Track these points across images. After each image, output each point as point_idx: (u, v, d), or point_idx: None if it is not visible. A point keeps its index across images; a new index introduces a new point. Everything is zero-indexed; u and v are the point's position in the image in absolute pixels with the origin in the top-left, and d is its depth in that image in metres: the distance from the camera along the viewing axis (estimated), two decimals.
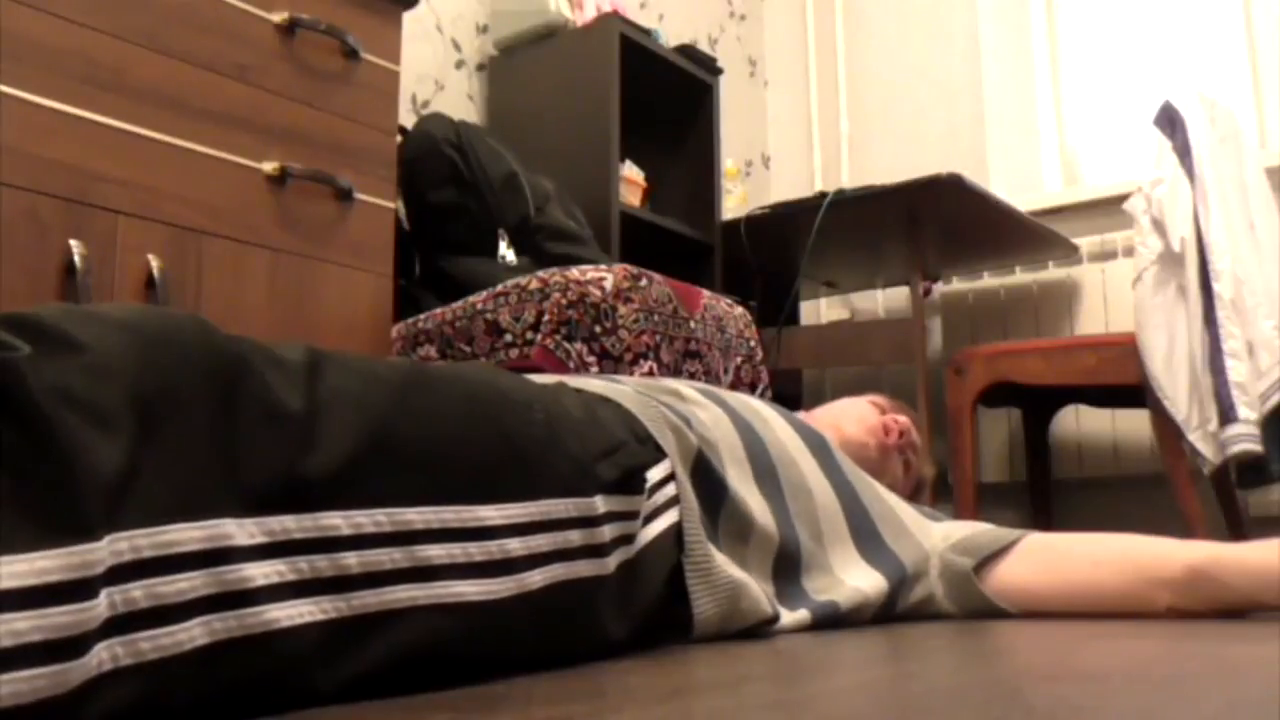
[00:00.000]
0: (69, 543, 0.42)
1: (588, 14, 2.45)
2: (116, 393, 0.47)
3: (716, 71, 2.69)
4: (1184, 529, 2.10)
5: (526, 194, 1.98)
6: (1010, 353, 2.39)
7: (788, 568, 0.96)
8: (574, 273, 1.60)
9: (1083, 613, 1.03)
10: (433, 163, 1.96)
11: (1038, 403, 2.70)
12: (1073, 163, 3.16)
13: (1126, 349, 2.19)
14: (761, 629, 0.89)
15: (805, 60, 3.49)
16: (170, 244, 1.25)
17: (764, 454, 1.00)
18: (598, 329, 1.56)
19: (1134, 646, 0.75)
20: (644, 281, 1.63)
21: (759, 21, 3.58)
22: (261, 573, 0.50)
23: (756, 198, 3.23)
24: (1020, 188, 3.01)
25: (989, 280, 3.00)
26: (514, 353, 1.61)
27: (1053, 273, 2.89)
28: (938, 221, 2.57)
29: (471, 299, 1.69)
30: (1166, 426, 2.10)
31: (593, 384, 0.92)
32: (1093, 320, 2.80)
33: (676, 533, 0.83)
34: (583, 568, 0.70)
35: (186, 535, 0.47)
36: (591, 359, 1.55)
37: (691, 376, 1.70)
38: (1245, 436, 1.93)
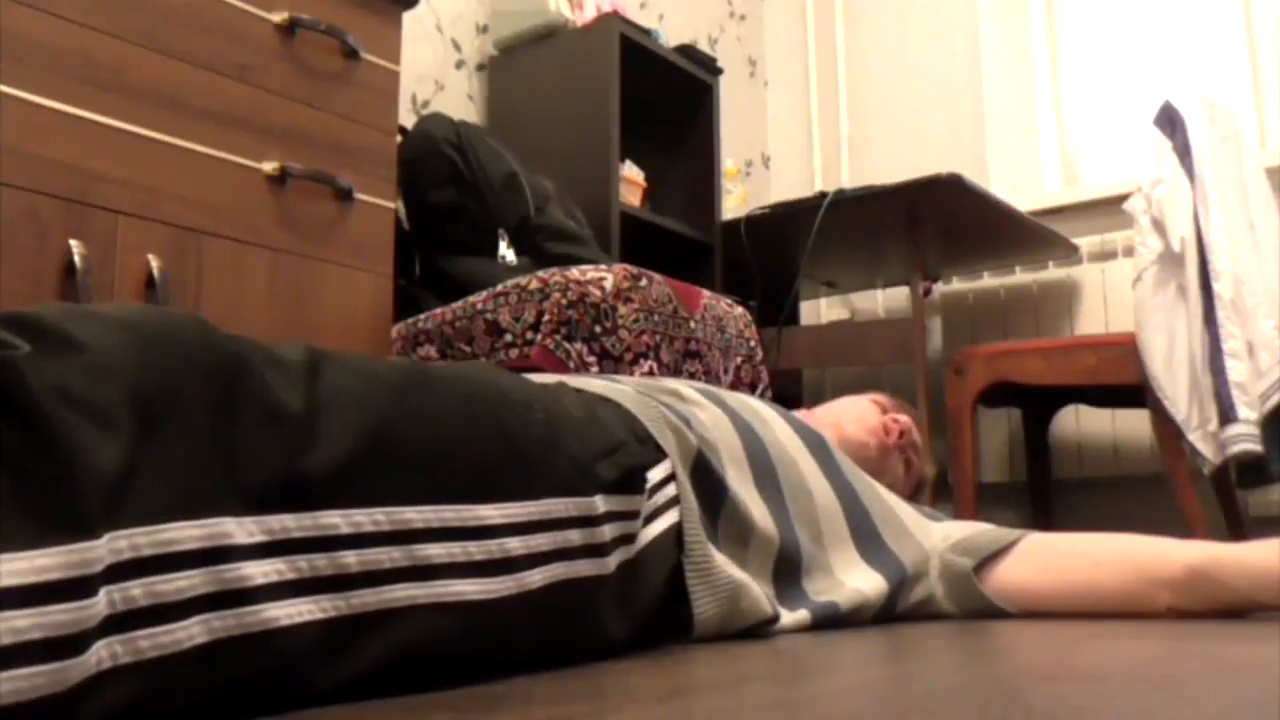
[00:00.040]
0: (69, 541, 0.42)
1: (588, 14, 2.45)
2: (116, 392, 0.47)
3: (716, 71, 2.69)
4: (1184, 529, 2.10)
5: (526, 194, 1.98)
6: (1010, 353, 2.39)
7: (788, 570, 0.96)
8: (574, 273, 1.60)
9: (1083, 613, 1.03)
10: (433, 163, 1.96)
11: (1038, 403, 2.70)
12: (1073, 163, 3.16)
13: (1126, 349, 2.19)
14: (761, 629, 0.89)
15: (805, 60, 3.49)
16: (170, 244, 1.25)
17: (763, 454, 1.00)
18: (598, 329, 1.56)
19: (1134, 646, 0.75)
20: (644, 281, 1.63)
21: (759, 21, 3.58)
22: (261, 571, 0.50)
23: (756, 198, 3.23)
24: (1020, 188, 3.01)
25: (989, 280, 3.00)
26: (514, 353, 1.61)
27: (1053, 273, 2.89)
28: (938, 221, 2.57)
29: (471, 299, 1.69)
30: (1166, 426, 2.10)
31: (593, 384, 0.92)
32: (1093, 320, 2.80)
33: (677, 533, 0.83)
34: (583, 567, 0.70)
35: (186, 534, 0.47)
36: (591, 359, 1.55)
37: (691, 376, 1.70)
38: (1245, 436, 1.93)
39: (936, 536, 1.11)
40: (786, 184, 3.44)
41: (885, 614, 1.03)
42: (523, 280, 1.64)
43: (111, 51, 1.22)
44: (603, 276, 1.59)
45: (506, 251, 1.94)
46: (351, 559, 0.55)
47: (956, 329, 3.02)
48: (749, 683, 0.60)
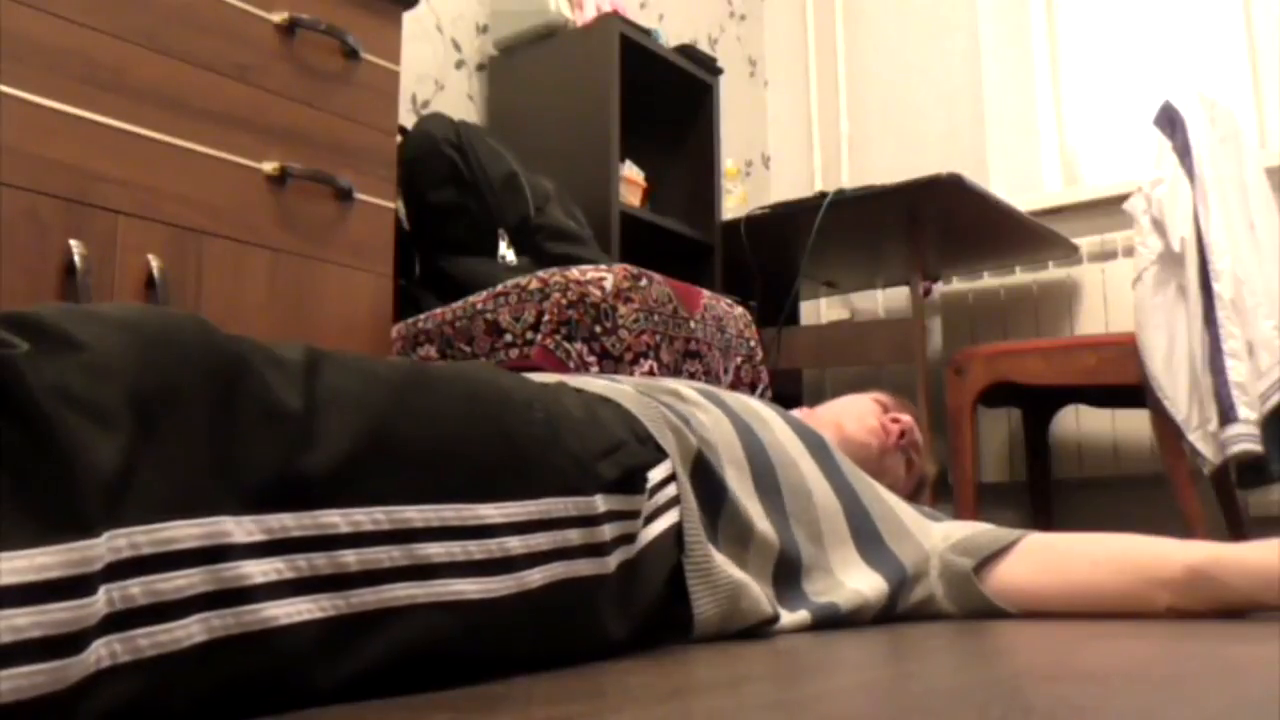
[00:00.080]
0: (68, 539, 0.42)
1: (588, 14, 2.45)
2: (116, 391, 0.47)
3: (716, 71, 2.69)
4: (1184, 529, 2.10)
5: (526, 194, 1.98)
6: (1010, 353, 2.39)
7: (788, 572, 0.96)
8: (574, 273, 1.60)
9: (1083, 613, 1.03)
10: (433, 163, 1.96)
11: (1038, 403, 2.70)
12: (1073, 163, 3.16)
13: (1126, 349, 2.19)
14: (761, 629, 0.89)
15: (805, 60, 3.49)
16: (170, 244, 1.25)
17: (762, 455, 1.00)
18: (598, 329, 1.56)
19: (1134, 646, 0.75)
20: (644, 281, 1.63)
21: (759, 21, 3.58)
22: (260, 570, 0.50)
23: (756, 198, 3.23)
24: (1020, 188, 3.01)
25: (989, 280, 3.00)
26: (514, 353, 1.61)
27: (1053, 273, 2.89)
28: (938, 221, 2.57)
29: (471, 299, 1.69)
30: (1166, 426, 2.10)
31: (593, 384, 0.92)
32: (1093, 320, 2.80)
33: (677, 533, 0.83)
34: (583, 567, 0.70)
35: (185, 532, 0.47)
36: (591, 359, 1.55)
37: (691, 376, 1.70)
38: (1245, 436, 1.93)
39: (936, 536, 1.11)
40: (786, 184, 3.44)
41: (885, 614, 1.03)
42: (523, 280, 1.64)
43: (111, 51, 1.22)
44: (603, 276, 1.59)
45: (506, 251, 1.94)
46: (351, 558, 0.55)
47: (956, 329, 3.02)
48: (749, 683, 0.60)
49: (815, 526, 1.01)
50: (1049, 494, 2.73)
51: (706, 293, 1.80)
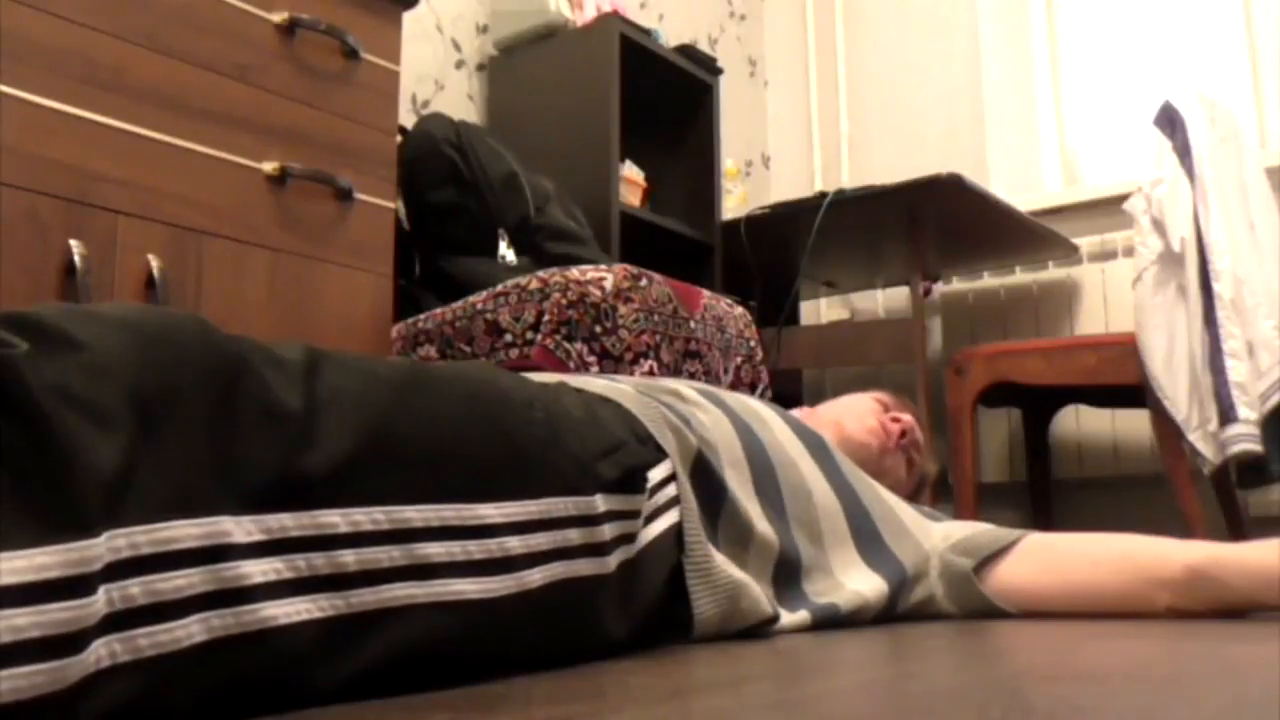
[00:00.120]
0: (68, 539, 0.42)
1: (588, 14, 2.45)
2: (115, 391, 0.47)
3: (716, 71, 2.69)
4: (1184, 529, 2.10)
5: (526, 194, 1.98)
6: (1010, 353, 2.39)
7: (788, 574, 0.96)
8: (574, 273, 1.60)
9: (1083, 613, 1.03)
10: (433, 163, 1.96)
11: (1038, 403, 2.70)
12: (1073, 163, 3.16)
13: (1126, 349, 2.19)
14: (761, 629, 0.89)
15: (805, 60, 3.49)
16: (170, 244, 1.25)
17: (762, 455, 1.00)
18: (598, 329, 1.56)
19: (1134, 646, 0.75)
20: (644, 281, 1.63)
21: (759, 21, 3.58)
22: (259, 570, 0.50)
23: (756, 198, 3.23)
24: (1020, 188, 3.01)
25: (989, 280, 3.00)
26: (514, 353, 1.61)
27: (1053, 273, 2.89)
28: (938, 221, 2.57)
29: (471, 299, 1.69)
30: (1166, 426, 2.10)
31: (593, 384, 0.92)
32: (1093, 320, 2.80)
33: (677, 533, 0.83)
34: (583, 566, 0.70)
35: (184, 532, 0.47)
36: (592, 359, 1.55)
37: (691, 376, 1.70)
38: (1245, 436, 1.93)
39: (936, 536, 1.11)
40: (786, 184, 3.44)
41: (886, 615, 1.03)
42: (523, 280, 1.64)
43: (111, 51, 1.21)
44: (603, 276, 1.59)
45: (506, 251, 1.94)
46: (350, 558, 0.55)
47: (956, 329, 3.02)
48: (749, 683, 0.60)
49: (815, 527, 1.01)
50: (1049, 494, 2.73)
51: (706, 293, 1.80)
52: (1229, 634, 0.82)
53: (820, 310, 3.32)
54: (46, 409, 0.43)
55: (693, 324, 1.72)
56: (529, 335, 1.59)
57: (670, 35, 2.78)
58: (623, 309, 1.58)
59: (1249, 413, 1.93)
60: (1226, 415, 1.95)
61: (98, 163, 1.19)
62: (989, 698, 0.52)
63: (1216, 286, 1.99)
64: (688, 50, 2.62)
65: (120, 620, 0.44)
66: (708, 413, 0.99)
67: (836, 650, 0.78)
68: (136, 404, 0.47)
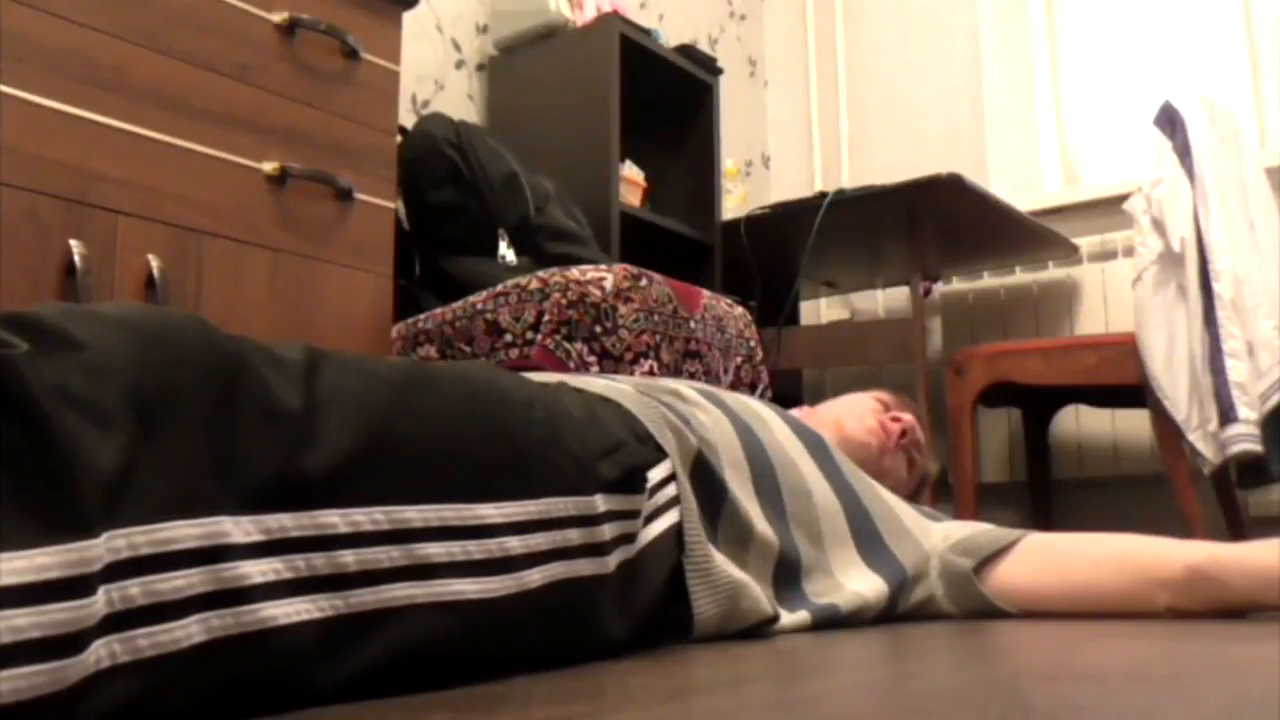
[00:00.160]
0: (68, 540, 0.42)
1: (588, 14, 2.45)
2: (115, 391, 0.47)
3: (716, 71, 2.69)
4: (1184, 529, 2.10)
5: (526, 194, 1.98)
6: (1010, 353, 2.39)
7: (788, 574, 0.96)
8: (574, 273, 1.60)
9: (1083, 613, 1.03)
10: (433, 163, 1.96)
11: (1038, 403, 2.70)
12: (1073, 163, 3.16)
13: (1126, 349, 2.19)
14: (761, 629, 0.89)
15: (805, 60, 3.49)
16: (170, 244, 1.25)
17: (762, 455, 1.00)
18: (598, 329, 1.56)
19: (1134, 646, 0.75)
20: (644, 281, 1.63)
21: (759, 21, 3.58)
22: (258, 570, 0.50)
23: (756, 198, 3.23)
24: (1020, 188, 3.01)
25: (989, 280, 3.00)
26: (514, 353, 1.61)
27: (1053, 273, 2.89)
28: (938, 221, 2.57)
29: (471, 299, 1.69)
30: (1166, 426, 2.10)
31: (593, 384, 0.92)
32: (1093, 320, 2.80)
33: (677, 533, 0.83)
34: (583, 566, 0.70)
35: (184, 533, 0.47)
36: (592, 359, 1.55)
37: (691, 376, 1.70)
38: (1245, 436, 1.93)
39: (936, 537, 1.11)
40: (786, 184, 3.44)
41: (886, 615, 1.03)
42: (523, 280, 1.64)
43: (111, 51, 1.21)
44: (603, 276, 1.59)
45: (506, 251, 1.94)
46: (349, 558, 0.55)
47: (956, 329, 3.02)
48: (749, 683, 0.60)
49: (815, 527, 1.01)
50: (1049, 494, 2.73)
51: (706, 293, 1.80)
52: (1229, 634, 0.82)
53: (820, 310, 3.32)
54: (46, 409, 0.43)
55: (693, 324, 1.72)
56: (529, 335, 1.59)
57: (670, 35, 2.78)
58: (623, 309, 1.58)
59: (1249, 413, 1.93)
60: (1226, 415, 1.95)
61: (98, 163, 1.19)
62: (989, 698, 0.52)
63: (1216, 286, 1.99)
64: (688, 50, 2.62)
65: (120, 621, 0.44)
66: (708, 413, 0.99)
67: (836, 650, 0.78)
68: (136, 404, 0.47)
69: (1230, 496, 2.33)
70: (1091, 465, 2.75)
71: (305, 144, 1.43)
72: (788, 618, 0.91)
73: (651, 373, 1.59)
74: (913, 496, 1.35)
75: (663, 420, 0.87)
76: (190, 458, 0.49)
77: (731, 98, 3.25)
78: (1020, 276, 2.95)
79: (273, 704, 0.51)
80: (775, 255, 2.67)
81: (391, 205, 1.55)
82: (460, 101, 2.47)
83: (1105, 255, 2.84)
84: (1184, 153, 2.09)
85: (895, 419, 1.32)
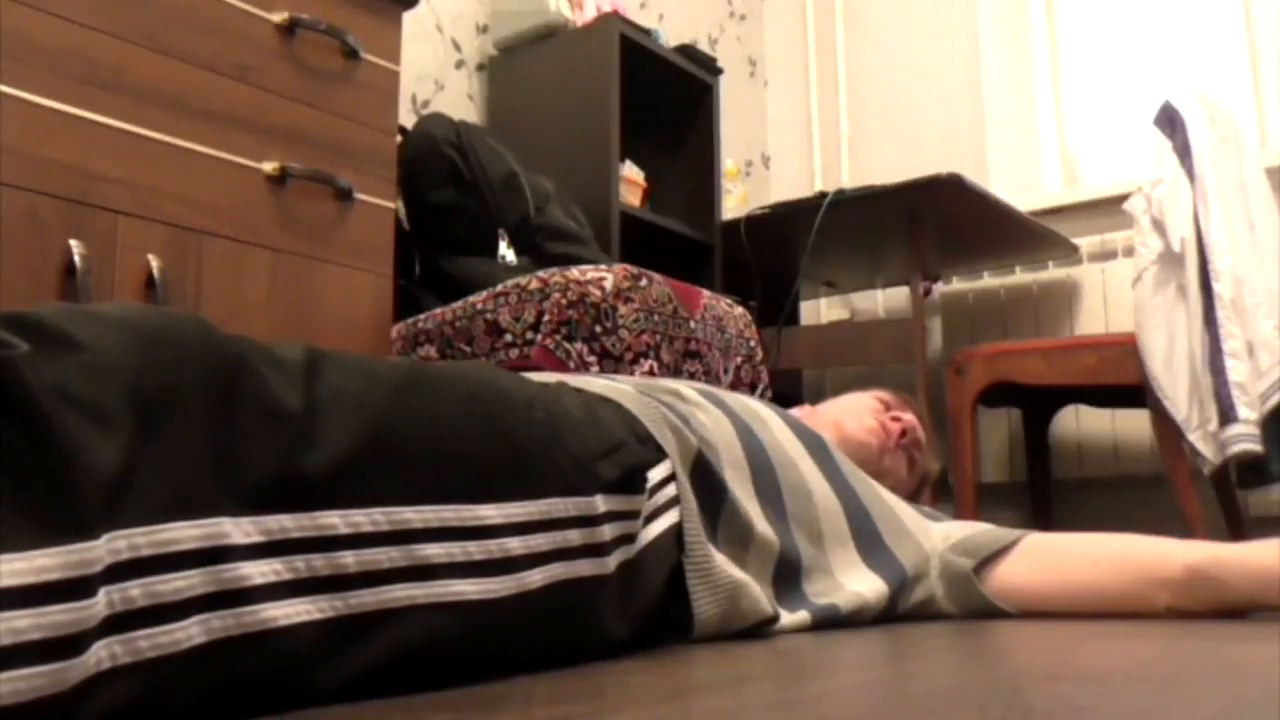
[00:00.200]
0: (68, 541, 0.42)
1: (588, 14, 2.45)
2: (115, 391, 0.47)
3: (716, 71, 2.69)
4: (1184, 529, 2.10)
5: (526, 194, 1.98)
6: (1010, 353, 2.39)
7: (788, 574, 0.96)
8: (574, 273, 1.60)
9: (1083, 613, 1.03)
10: (433, 163, 1.96)
11: (1038, 403, 2.70)
12: (1073, 163, 3.16)
13: (1126, 349, 2.19)
14: (761, 629, 0.89)
15: (805, 60, 3.49)
16: (170, 244, 1.25)
17: (762, 455, 1.00)
18: (598, 329, 1.56)
19: (1134, 646, 0.75)
20: (644, 281, 1.63)
21: (759, 21, 3.58)
22: (259, 571, 0.50)
23: (756, 198, 3.23)
24: (1020, 188, 3.01)
25: (989, 280, 3.00)
26: (514, 353, 1.61)
27: (1053, 273, 2.89)
28: (938, 221, 2.57)
29: (471, 299, 1.69)
30: (1166, 426, 2.10)
31: (593, 384, 0.92)
32: (1093, 320, 2.80)
33: (677, 533, 0.83)
34: (583, 567, 0.70)
35: (184, 534, 0.47)
36: (592, 359, 1.55)
37: (691, 376, 1.70)
38: (1245, 436, 1.93)
39: (936, 537, 1.11)
40: (786, 184, 3.44)
41: (886, 615, 1.03)
42: (523, 280, 1.64)
43: (111, 51, 1.21)
44: (603, 276, 1.59)
45: (506, 251, 1.94)
46: (350, 559, 0.55)
47: (956, 329, 3.02)
48: (749, 683, 0.60)
49: (815, 527, 1.01)
50: (1049, 494, 2.73)
51: (706, 293, 1.80)
52: (1229, 634, 0.82)
53: (820, 310, 3.32)
54: (47, 409, 0.43)
55: (693, 324, 1.72)
56: (529, 335, 1.59)
57: (670, 35, 2.78)
58: (623, 309, 1.58)
59: (1249, 413, 1.93)
60: (1226, 415, 1.95)
61: (98, 163, 1.19)
62: (989, 698, 0.52)
63: (1216, 286, 1.99)
64: (688, 50, 2.62)
65: (120, 622, 0.44)
66: (708, 413, 0.99)
67: (836, 650, 0.78)
68: (136, 404, 0.47)
69: (1230, 496, 2.33)
70: (1091, 465, 2.75)
71: (305, 144, 1.43)
72: (788, 618, 0.91)
73: (651, 373, 1.59)
74: (913, 496, 1.35)
75: (663, 420, 0.87)
76: (190, 458, 0.49)
77: (731, 98, 3.25)
78: (1020, 276, 2.95)
79: (273, 705, 0.51)
80: (775, 255, 2.67)
81: (391, 205, 1.55)
82: (460, 101, 2.47)
83: (1105, 255, 2.84)
84: (1184, 153, 2.09)
85: (895, 418, 1.32)
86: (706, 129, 2.66)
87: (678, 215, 2.60)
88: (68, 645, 0.41)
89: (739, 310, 1.89)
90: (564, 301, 1.57)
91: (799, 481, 1.02)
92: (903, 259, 2.75)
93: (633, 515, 0.77)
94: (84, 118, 1.18)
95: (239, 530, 0.50)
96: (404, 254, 1.88)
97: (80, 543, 0.42)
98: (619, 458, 0.77)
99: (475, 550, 0.62)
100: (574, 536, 0.69)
